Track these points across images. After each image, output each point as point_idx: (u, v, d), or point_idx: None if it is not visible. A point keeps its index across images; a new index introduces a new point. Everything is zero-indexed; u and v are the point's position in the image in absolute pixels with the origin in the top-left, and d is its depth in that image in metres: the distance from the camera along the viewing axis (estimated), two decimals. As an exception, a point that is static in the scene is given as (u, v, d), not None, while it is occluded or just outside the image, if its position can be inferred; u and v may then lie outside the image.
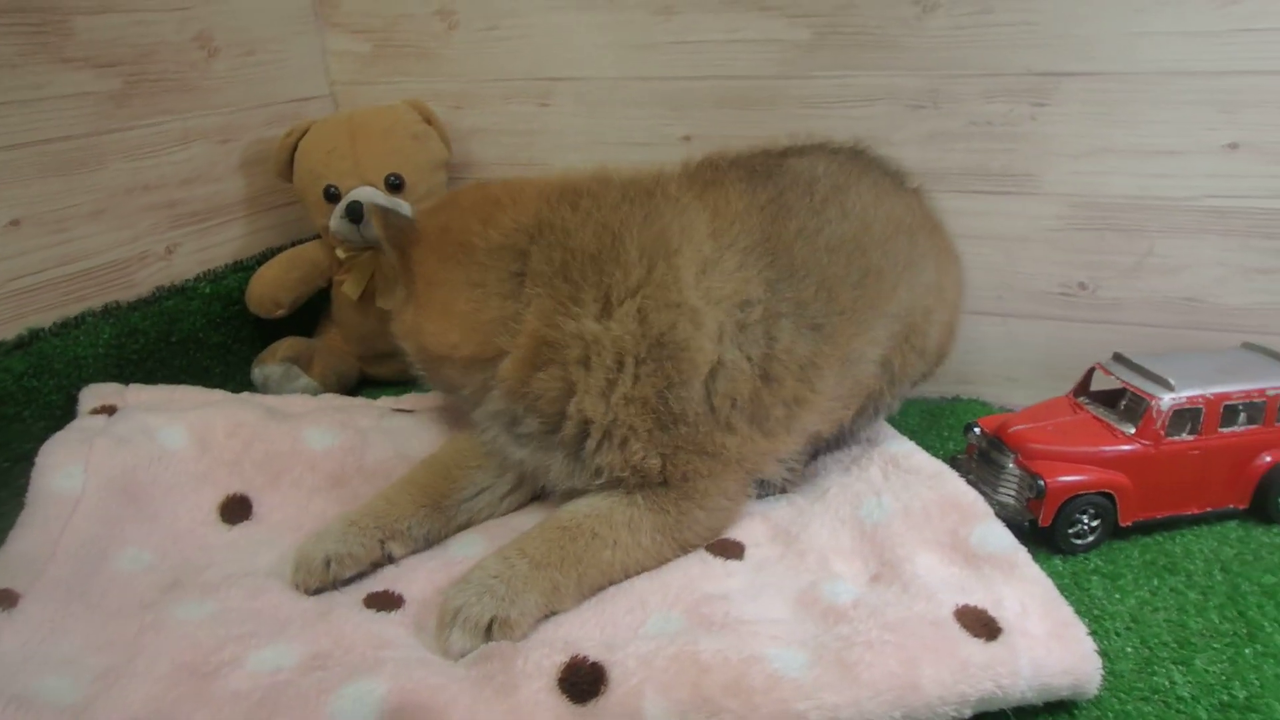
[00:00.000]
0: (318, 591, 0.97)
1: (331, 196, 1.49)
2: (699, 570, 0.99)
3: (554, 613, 0.93)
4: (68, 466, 1.04)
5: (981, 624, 0.87)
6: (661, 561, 1.00)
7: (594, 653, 0.83)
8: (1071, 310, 1.42)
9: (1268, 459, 1.13)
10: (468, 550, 1.06)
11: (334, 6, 1.71)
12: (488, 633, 0.89)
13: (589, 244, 1.01)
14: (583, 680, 0.80)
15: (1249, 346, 1.23)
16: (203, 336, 1.48)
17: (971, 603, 0.90)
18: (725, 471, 1.02)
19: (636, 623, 0.91)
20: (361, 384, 1.61)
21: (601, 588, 0.97)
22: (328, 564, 0.97)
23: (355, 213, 1.44)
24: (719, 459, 1.01)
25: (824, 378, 1.07)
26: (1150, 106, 1.28)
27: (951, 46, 1.36)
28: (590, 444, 1.00)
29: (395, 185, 1.50)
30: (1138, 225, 1.34)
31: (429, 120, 1.59)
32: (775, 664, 0.81)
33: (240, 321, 1.54)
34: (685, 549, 1.02)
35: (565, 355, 0.99)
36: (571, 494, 1.05)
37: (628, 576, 0.98)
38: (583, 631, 0.90)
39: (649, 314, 0.99)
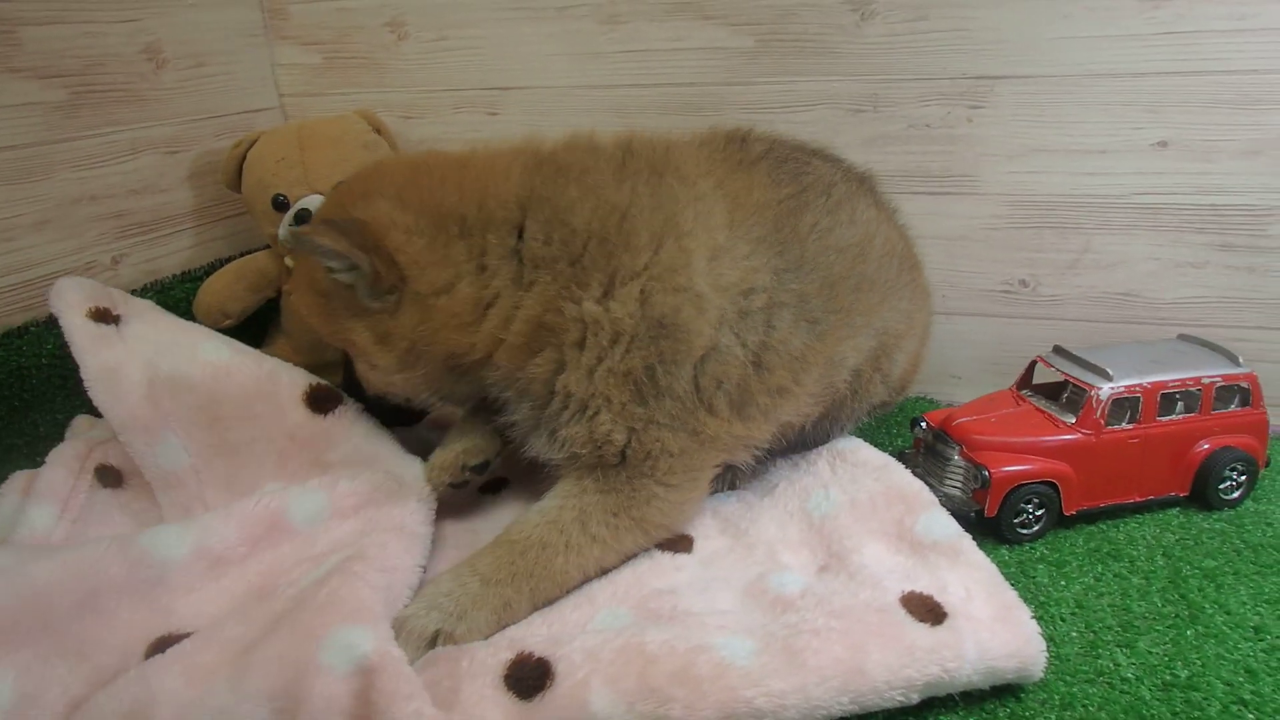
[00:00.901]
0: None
1: (280, 205, 1.48)
2: (647, 566, 0.99)
3: (507, 626, 0.92)
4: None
5: (927, 609, 0.88)
6: (623, 553, 0.99)
7: (540, 648, 0.82)
8: (1013, 307, 1.45)
9: (1205, 446, 1.16)
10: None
11: (284, 19, 1.71)
12: (431, 645, 0.88)
13: (592, 223, 0.97)
14: (529, 676, 0.79)
15: (1185, 338, 1.26)
16: None
17: (917, 589, 0.91)
18: (698, 450, 1.01)
19: (584, 619, 0.91)
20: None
21: (556, 597, 0.95)
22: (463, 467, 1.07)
23: (305, 220, 1.43)
24: (695, 437, 1.00)
25: (809, 373, 1.07)
26: (1080, 107, 1.32)
27: (889, 52, 1.39)
28: (564, 416, 0.99)
29: (343, 195, 1.50)
30: (1074, 223, 1.37)
31: (379, 130, 1.59)
32: (723, 652, 0.81)
33: None
34: (649, 530, 0.99)
35: (563, 338, 0.97)
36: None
37: (586, 578, 0.97)
38: (529, 629, 0.89)
39: (652, 296, 0.97)
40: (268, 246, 1.56)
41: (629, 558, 1.00)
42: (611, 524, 0.98)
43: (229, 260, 1.58)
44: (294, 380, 1.14)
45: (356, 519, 1.01)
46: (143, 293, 1.46)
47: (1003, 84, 1.35)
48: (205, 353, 1.13)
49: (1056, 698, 0.88)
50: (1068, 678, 0.90)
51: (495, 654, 0.81)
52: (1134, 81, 1.28)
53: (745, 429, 1.04)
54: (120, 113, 1.46)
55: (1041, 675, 0.88)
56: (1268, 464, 1.21)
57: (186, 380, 1.09)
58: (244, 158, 1.52)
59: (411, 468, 1.09)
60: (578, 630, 0.87)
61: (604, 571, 0.98)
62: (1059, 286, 1.41)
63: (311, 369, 1.55)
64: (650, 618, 0.89)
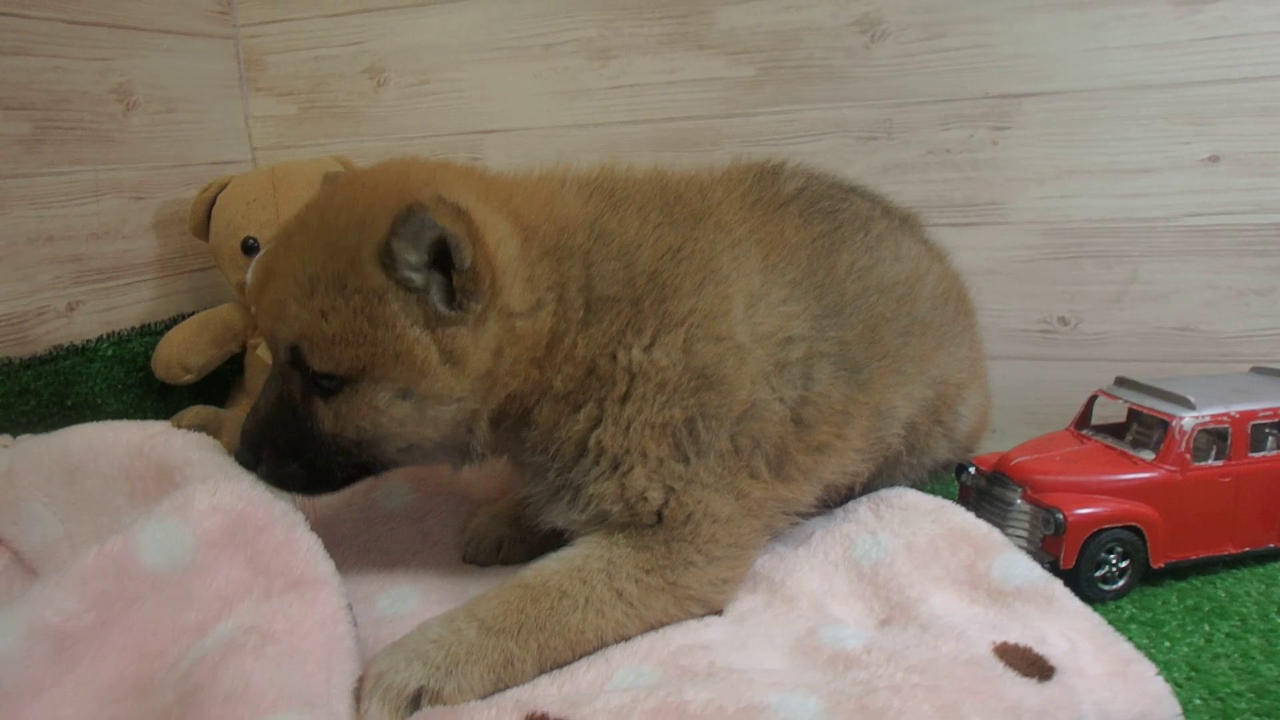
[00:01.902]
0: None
1: (249, 249, 1.36)
2: (670, 625, 0.80)
3: (505, 688, 0.73)
4: None
5: (1028, 662, 0.69)
6: (648, 621, 0.80)
7: (554, 709, 0.63)
8: (1052, 348, 1.30)
9: (1305, 485, 1.00)
10: (398, 608, 0.86)
11: (260, 70, 1.62)
12: (414, 706, 0.70)
13: (651, 263, 0.86)
14: (539, 743, 0.60)
15: (1260, 370, 1.12)
16: (101, 402, 1.32)
17: (1011, 640, 0.72)
18: (742, 517, 0.86)
19: (600, 678, 0.72)
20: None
21: (565, 661, 0.77)
22: (499, 546, 0.98)
23: (269, 262, 1.29)
24: (740, 501, 0.86)
25: (853, 426, 0.95)
26: (1118, 123, 1.22)
27: (903, 74, 1.29)
28: (593, 473, 0.83)
29: (311, 237, 1.36)
30: (1117, 250, 1.25)
31: (351, 176, 1.47)
32: (782, 713, 0.63)
33: (144, 389, 1.39)
34: (680, 599, 0.82)
35: (609, 392, 0.83)
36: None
37: (601, 645, 0.78)
38: (534, 690, 0.71)
39: (694, 345, 0.85)
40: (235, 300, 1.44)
41: (652, 629, 0.81)
42: (642, 582, 0.81)
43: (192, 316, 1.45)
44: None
45: (235, 554, 0.77)
46: (99, 344, 1.35)
47: (1029, 102, 1.25)
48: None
49: (1199, 775, 0.68)
50: (1206, 752, 0.71)
51: (500, 716, 0.62)
52: (1176, 92, 1.19)
53: (787, 490, 0.91)
54: (85, 152, 1.36)
55: (1176, 748, 0.69)
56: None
57: (39, 447, 0.94)
58: (213, 202, 1.41)
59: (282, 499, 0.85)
60: (595, 689, 0.68)
61: (622, 639, 0.80)
62: (1104, 323, 1.28)
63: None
64: (684, 675, 0.71)
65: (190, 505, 0.76)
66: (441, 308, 0.79)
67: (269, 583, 0.76)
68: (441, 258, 0.77)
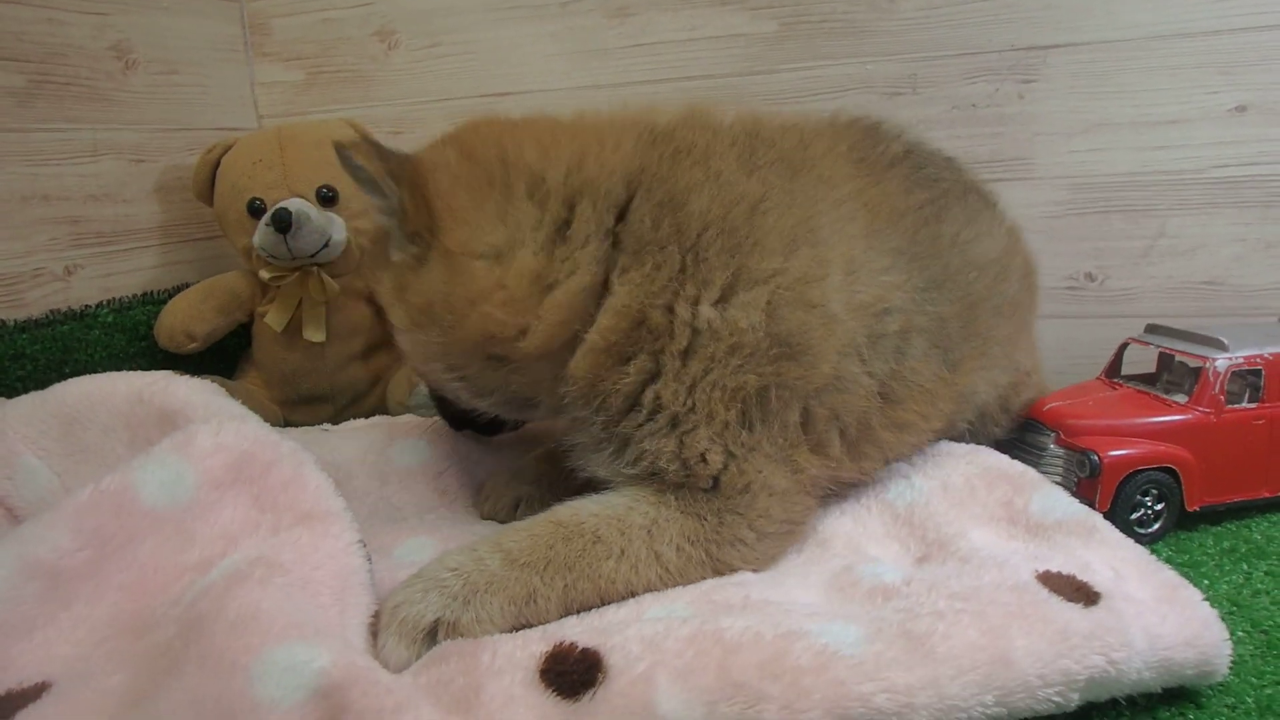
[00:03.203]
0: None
1: (256, 211, 1.32)
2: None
3: (525, 626, 0.71)
4: None
5: (1074, 588, 0.68)
6: (682, 585, 0.77)
7: (584, 638, 0.62)
8: (1079, 305, 1.29)
9: (1338, 429, 0.99)
10: (416, 556, 0.84)
11: (265, 35, 1.60)
12: (431, 639, 0.68)
13: (713, 210, 0.81)
14: (573, 670, 0.59)
15: (1288, 318, 1.11)
16: (102, 370, 1.25)
17: (1054, 569, 0.71)
18: (796, 493, 0.82)
19: (631, 615, 0.70)
20: (286, 430, 1.39)
21: (593, 606, 0.74)
22: (516, 505, 0.96)
23: (283, 221, 1.26)
24: (795, 476, 0.81)
25: (937, 407, 0.91)
26: (1145, 74, 1.20)
27: (927, 27, 1.28)
28: (648, 427, 0.79)
29: (328, 198, 1.34)
30: (1145, 204, 1.24)
31: (366, 139, 1.44)
32: (823, 639, 0.61)
33: (147, 359, 1.34)
34: (721, 574, 0.78)
35: (666, 345, 0.79)
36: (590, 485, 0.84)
37: (632, 594, 0.75)
38: (562, 626, 0.68)
39: (780, 309, 0.80)
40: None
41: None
42: (684, 552, 0.77)
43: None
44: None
45: (240, 492, 0.74)
46: (98, 310, 1.30)
47: (1056, 54, 1.23)
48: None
49: (1248, 702, 0.67)
50: (1253, 679, 0.70)
51: (526, 645, 0.61)
52: (1205, 41, 1.17)
53: (855, 468, 0.87)
54: (81, 110, 1.32)
55: (1225, 674, 0.68)
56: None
57: (32, 400, 0.89)
58: (217, 164, 1.37)
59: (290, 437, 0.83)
60: (629, 621, 0.67)
61: (651, 592, 0.76)
62: (1131, 278, 1.26)
63: (285, 404, 1.37)
64: (718, 609, 0.69)
65: (192, 444, 0.74)
66: (395, 251, 0.84)
67: (277, 518, 0.73)
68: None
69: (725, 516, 0.78)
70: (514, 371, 0.83)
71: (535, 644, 0.61)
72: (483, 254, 0.80)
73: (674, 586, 0.76)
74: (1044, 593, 0.67)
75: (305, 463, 0.77)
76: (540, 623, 0.71)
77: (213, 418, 0.77)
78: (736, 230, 0.81)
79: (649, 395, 0.79)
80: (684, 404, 0.78)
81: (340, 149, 0.83)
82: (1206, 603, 0.70)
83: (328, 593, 0.68)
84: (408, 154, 0.85)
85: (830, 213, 0.85)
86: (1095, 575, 0.70)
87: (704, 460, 0.78)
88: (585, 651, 0.60)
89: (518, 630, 0.69)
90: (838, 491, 0.89)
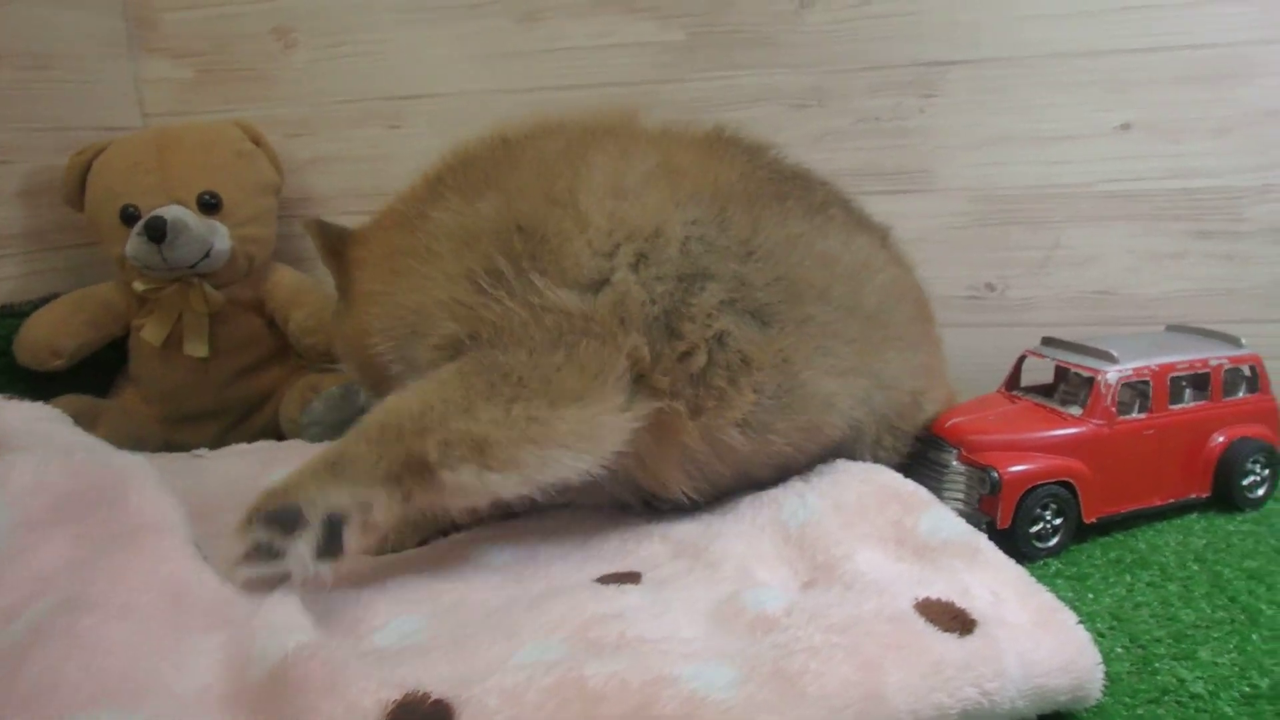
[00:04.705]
0: None
1: (129, 219, 1.25)
2: (587, 594, 0.77)
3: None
4: None
5: (950, 617, 0.68)
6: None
7: (439, 688, 0.59)
8: (980, 314, 1.31)
9: (1221, 439, 1.01)
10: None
11: (151, 29, 1.52)
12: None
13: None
14: (417, 725, 0.56)
15: (1174, 328, 1.14)
16: None
17: (934, 595, 0.71)
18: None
19: (504, 655, 0.67)
20: (166, 450, 1.29)
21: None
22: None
23: (157, 230, 1.20)
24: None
25: (752, 376, 0.88)
26: (1042, 90, 1.22)
27: (833, 41, 1.28)
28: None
29: (210, 205, 1.28)
30: (1042, 217, 1.26)
31: (257, 141, 1.39)
32: (693, 684, 0.59)
33: (7, 377, 1.25)
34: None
35: None
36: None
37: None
38: (425, 665, 0.65)
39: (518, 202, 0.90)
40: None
41: None
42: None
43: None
44: None
45: (63, 532, 0.66)
46: None
47: (956, 69, 1.24)
48: None
49: (1121, 724, 0.68)
50: (1126, 699, 0.71)
51: (375, 692, 0.57)
52: (1095, 60, 1.19)
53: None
54: None
55: (1099, 696, 0.68)
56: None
57: None
58: (88, 167, 1.30)
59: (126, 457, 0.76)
60: (495, 667, 0.64)
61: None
62: (1030, 288, 1.28)
63: (167, 422, 1.30)
64: (591, 649, 0.67)
65: (8, 481, 0.66)
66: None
67: (95, 547, 0.67)
68: None
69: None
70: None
71: (387, 689, 0.58)
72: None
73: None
74: (920, 623, 0.66)
75: (133, 482, 0.70)
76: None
77: (38, 448, 0.70)
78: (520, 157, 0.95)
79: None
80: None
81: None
82: (1081, 626, 0.70)
83: (159, 617, 0.62)
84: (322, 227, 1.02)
85: (605, 153, 0.92)
86: (974, 601, 0.70)
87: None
88: (436, 704, 0.57)
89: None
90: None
